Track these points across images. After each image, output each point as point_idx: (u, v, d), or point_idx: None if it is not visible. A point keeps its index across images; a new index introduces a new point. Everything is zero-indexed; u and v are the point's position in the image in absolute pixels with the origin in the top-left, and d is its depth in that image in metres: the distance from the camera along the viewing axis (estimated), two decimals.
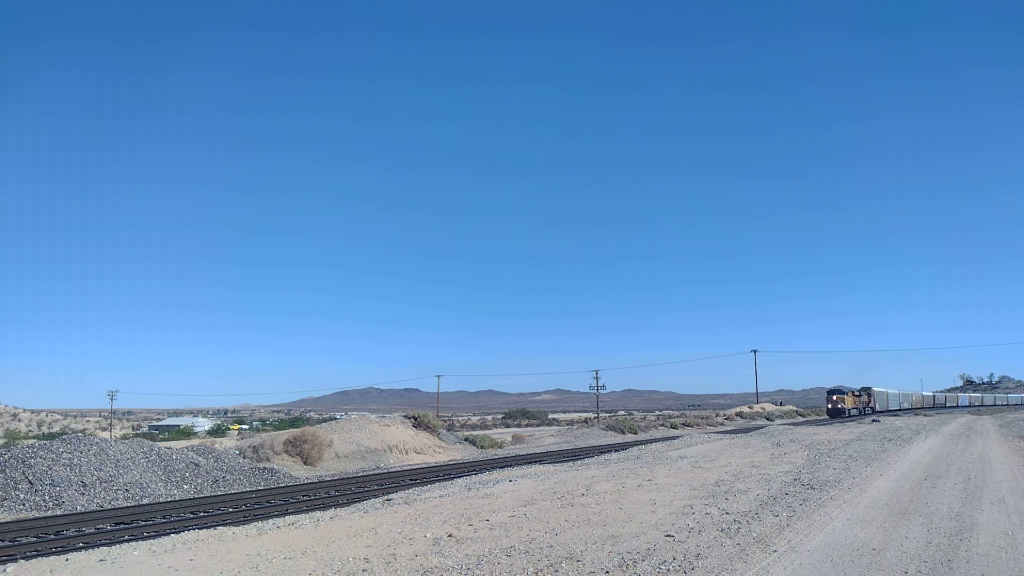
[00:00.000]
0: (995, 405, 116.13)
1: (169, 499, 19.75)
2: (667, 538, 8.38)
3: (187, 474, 22.77)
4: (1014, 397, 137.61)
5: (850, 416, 63.54)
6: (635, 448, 25.20)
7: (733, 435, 32.46)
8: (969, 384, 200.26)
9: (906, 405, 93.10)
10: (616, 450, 26.23)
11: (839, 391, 66.32)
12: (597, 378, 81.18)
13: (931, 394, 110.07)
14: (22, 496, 18.62)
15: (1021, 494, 12.03)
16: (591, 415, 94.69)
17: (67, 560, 8.75)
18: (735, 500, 11.24)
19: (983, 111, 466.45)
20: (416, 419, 42.37)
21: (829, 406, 65.63)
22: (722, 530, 8.82)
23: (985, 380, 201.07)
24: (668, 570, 6.98)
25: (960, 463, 17.33)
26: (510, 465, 23.56)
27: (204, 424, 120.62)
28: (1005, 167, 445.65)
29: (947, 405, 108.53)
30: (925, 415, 64.60)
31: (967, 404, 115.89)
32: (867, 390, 75.44)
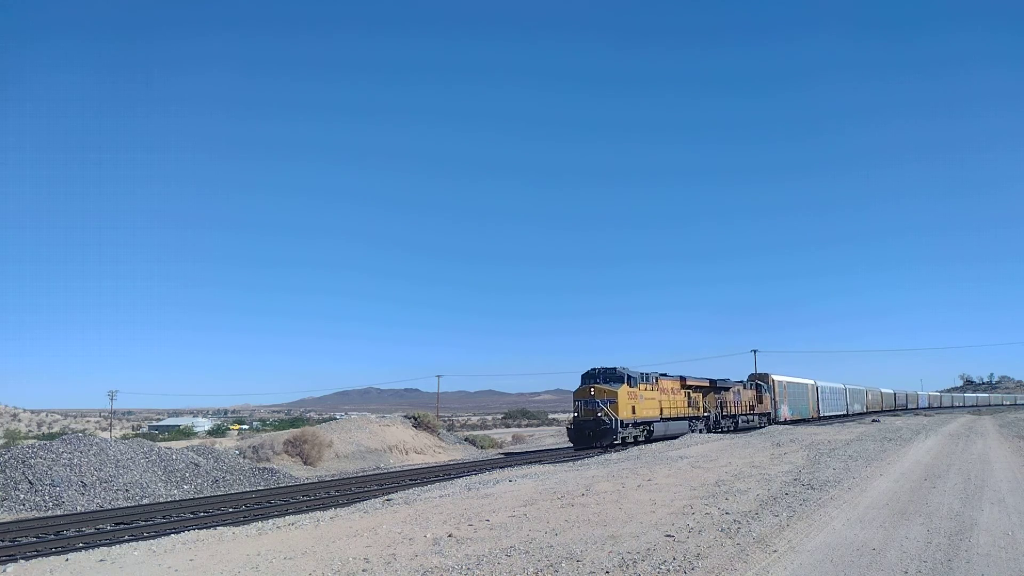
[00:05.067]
0: (953, 407, 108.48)
1: (169, 499, 19.74)
2: (667, 538, 8.37)
3: (187, 474, 22.76)
4: (970, 397, 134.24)
5: (649, 439, 29.35)
6: (635, 448, 25.19)
7: (733, 435, 32.43)
8: (969, 384, 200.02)
9: (857, 407, 65.47)
10: (616, 450, 26.21)
11: (609, 377, 28.77)
12: None
13: (891, 392, 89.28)
14: (22, 496, 18.61)
15: (1021, 494, 12.02)
16: None
17: (67, 560, 8.74)
18: (735, 500, 11.23)
19: (984, 113, 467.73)
20: (416, 419, 42.40)
21: (576, 414, 28.68)
22: (722, 530, 8.81)
23: (985, 380, 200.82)
24: (668, 570, 6.98)
25: (960, 463, 17.31)
26: (510, 465, 23.56)
27: (204, 424, 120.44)
28: (1005, 168, 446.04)
29: (908, 406, 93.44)
30: (926, 415, 62.21)
31: (926, 405, 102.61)
32: (757, 381, 43.44)
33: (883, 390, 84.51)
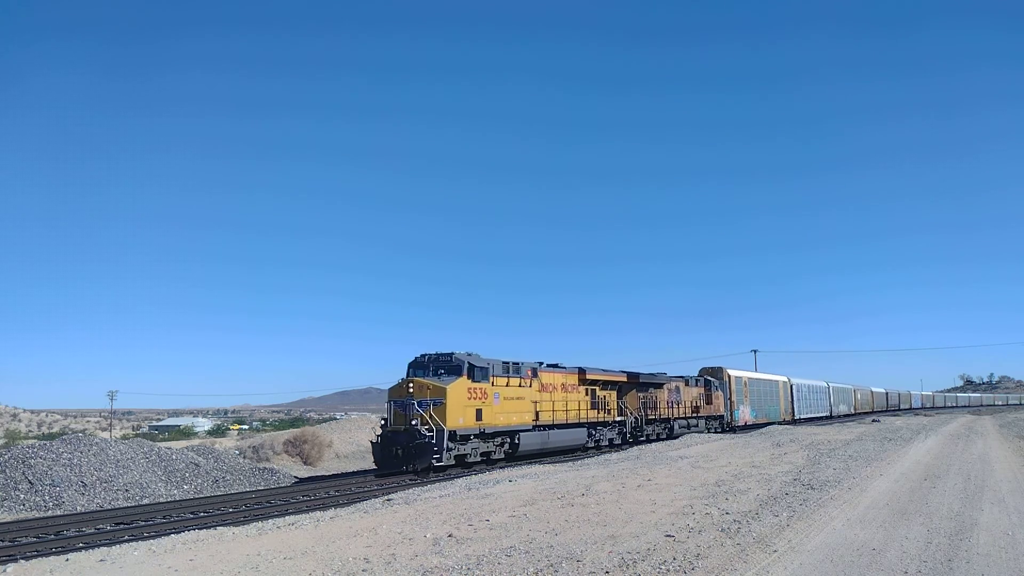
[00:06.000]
0: (946, 407, 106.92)
1: (169, 499, 19.74)
2: (667, 538, 8.38)
3: (187, 474, 22.76)
4: (962, 397, 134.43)
5: (512, 457, 22.38)
6: (635, 448, 25.19)
7: (733, 435, 32.43)
8: (969, 384, 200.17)
9: (843, 408, 60.13)
10: (616, 450, 26.21)
11: (442, 367, 20.47)
12: None
13: (883, 391, 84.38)
14: (22, 496, 18.61)
15: (1021, 494, 12.03)
16: None
17: (67, 560, 8.74)
18: (735, 500, 11.23)
19: (983, 112, 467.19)
20: None
21: (384, 422, 20.92)
22: (722, 530, 8.81)
23: (985, 380, 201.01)
24: (668, 570, 6.98)
25: (960, 463, 17.32)
26: (510, 465, 23.54)
27: (204, 424, 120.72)
28: (1005, 168, 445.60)
29: (901, 407, 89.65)
30: (926, 415, 61.94)
31: (920, 405, 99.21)
32: (707, 376, 37.10)
33: (874, 389, 79.58)
